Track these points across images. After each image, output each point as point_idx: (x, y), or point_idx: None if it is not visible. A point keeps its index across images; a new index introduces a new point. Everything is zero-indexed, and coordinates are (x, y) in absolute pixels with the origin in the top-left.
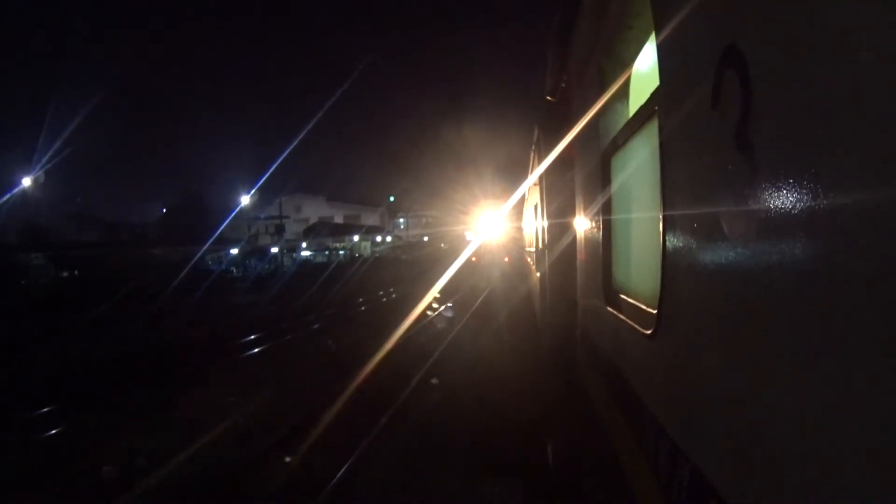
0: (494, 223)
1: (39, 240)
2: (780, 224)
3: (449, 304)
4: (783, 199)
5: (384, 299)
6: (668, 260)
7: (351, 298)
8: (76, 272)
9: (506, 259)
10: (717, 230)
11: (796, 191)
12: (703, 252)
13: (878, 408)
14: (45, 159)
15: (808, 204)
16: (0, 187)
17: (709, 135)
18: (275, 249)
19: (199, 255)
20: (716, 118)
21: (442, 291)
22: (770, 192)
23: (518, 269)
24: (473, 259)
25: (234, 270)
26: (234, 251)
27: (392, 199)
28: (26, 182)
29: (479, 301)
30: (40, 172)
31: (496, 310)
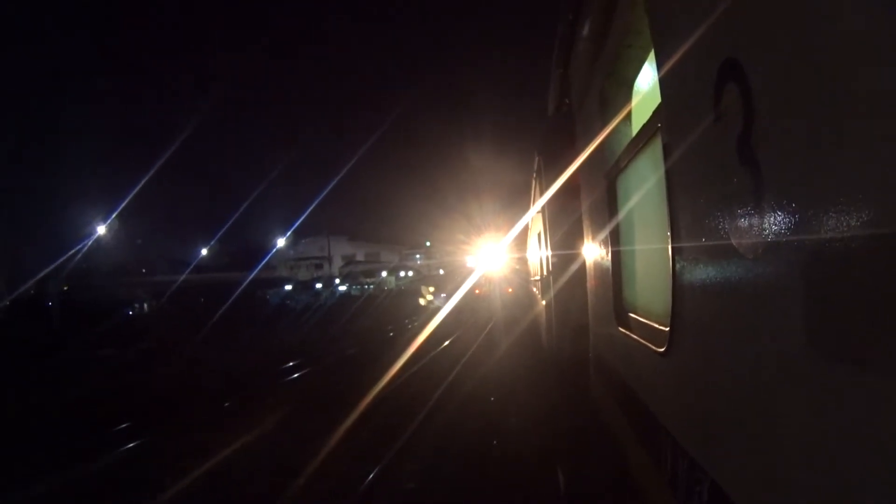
0: (498, 256)
1: (132, 275)
2: (788, 234)
3: (458, 335)
4: (789, 210)
5: (409, 327)
6: (678, 275)
7: (380, 326)
8: (175, 303)
9: (509, 290)
10: (725, 243)
11: (802, 202)
12: (713, 265)
13: None
14: (118, 208)
15: (814, 215)
16: (78, 234)
17: (713, 149)
18: (319, 285)
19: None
20: (719, 132)
21: (452, 323)
22: (776, 203)
23: (521, 299)
24: (477, 291)
25: (289, 302)
26: (288, 287)
27: (428, 244)
28: (101, 230)
29: (484, 333)
30: (114, 219)
31: (501, 339)
